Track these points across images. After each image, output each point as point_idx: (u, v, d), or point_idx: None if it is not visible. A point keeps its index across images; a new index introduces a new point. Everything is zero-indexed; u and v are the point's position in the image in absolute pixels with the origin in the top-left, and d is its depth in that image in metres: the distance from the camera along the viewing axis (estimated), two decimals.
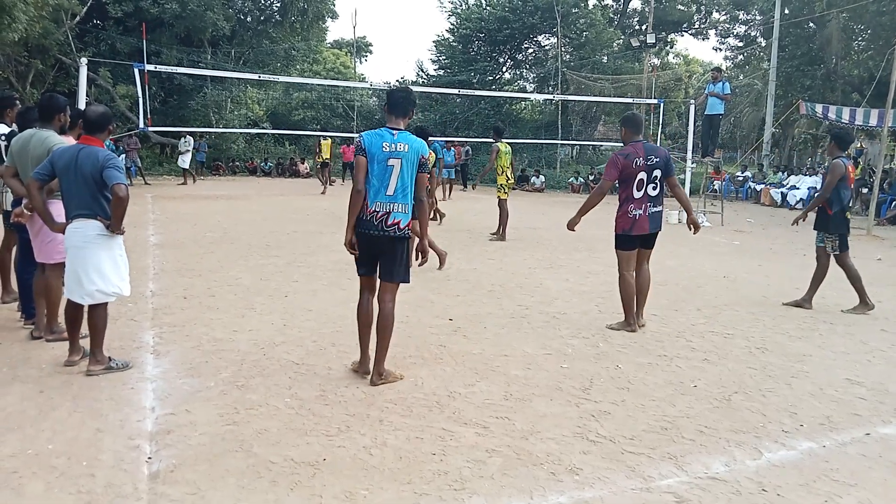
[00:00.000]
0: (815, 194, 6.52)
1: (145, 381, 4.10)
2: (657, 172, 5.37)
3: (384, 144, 4.01)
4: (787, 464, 3.27)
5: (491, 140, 11.54)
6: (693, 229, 5.71)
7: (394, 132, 4.07)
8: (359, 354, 4.32)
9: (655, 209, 5.46)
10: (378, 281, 4.21)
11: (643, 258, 5.62)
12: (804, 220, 6.93)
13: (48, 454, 3.13)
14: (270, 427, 3.48)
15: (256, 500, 2.78)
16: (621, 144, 5.59)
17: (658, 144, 17.49)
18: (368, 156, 4.01)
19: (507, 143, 11.19)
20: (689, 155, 15.57)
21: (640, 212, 5.38)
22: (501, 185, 11.01)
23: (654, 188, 5.40)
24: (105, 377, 4.11)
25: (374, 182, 4.01)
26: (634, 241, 5.48)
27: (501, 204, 11.05)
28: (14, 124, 5.47)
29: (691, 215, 5.72)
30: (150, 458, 3.13)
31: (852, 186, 6.60)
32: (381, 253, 4.13)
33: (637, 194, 5.34)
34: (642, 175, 5.31)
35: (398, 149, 4.02)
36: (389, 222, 4.03)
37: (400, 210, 4.05)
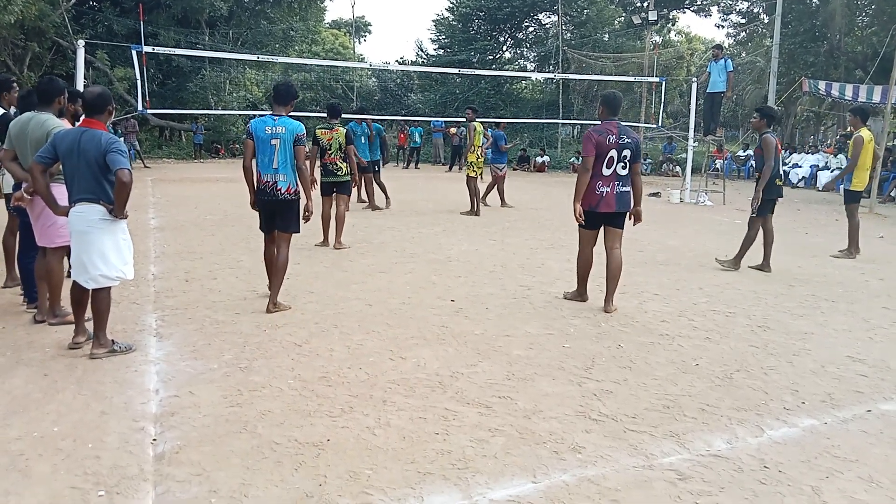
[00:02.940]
0: (756, 170, 7.49)
1: (149, 363, 4.12)
2: (627, 153, 5.35)
3: (266, 128, 5.13)
4: (789, 441, 3.29)
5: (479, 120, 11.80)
6: (633, 221, 5.60)
7: (275, 118, 5.17)
8: (270, 295, 5.32)
9: (624, 188, 5.42)
10: (276, 234, 5.34)
11: (614, 240, 5.55)
12: (758, 202, 7.16)
13: (54, 436, 3.15)
14: (274, 408, 3.50)
15: (261, 481, 2.80)
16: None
17: (660, 123, 17.52)
18: (255, 138, 5.16)
19: (480, 123, 11.58)
20: (692, 133, 15.47)
21: (608, 189, 5.36)
22: (472, 162, 11.30)
23: (624, 167, 5.38)
24: (109, 360, 4.12)
25: (263, 158, 5.16)
26: (598, 219, 5.45)
27: (469, 182, 11.42)
28: (12, 107, 5.45)
29: (638, 206, 5.57)
30: (154, 439, 3.15)
31: (779, 154, 7.24)
32: (277, 212, 5.26)
33: (606, 171, 5.33)
34: (613, 153, 5.31)
35: (277, 131, 5.12)
36: (277, 188, 5.16)
37: (283, 179, 5.17)
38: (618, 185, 5.39)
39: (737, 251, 7.31)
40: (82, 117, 4.18)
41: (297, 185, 5.23)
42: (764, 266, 7.28)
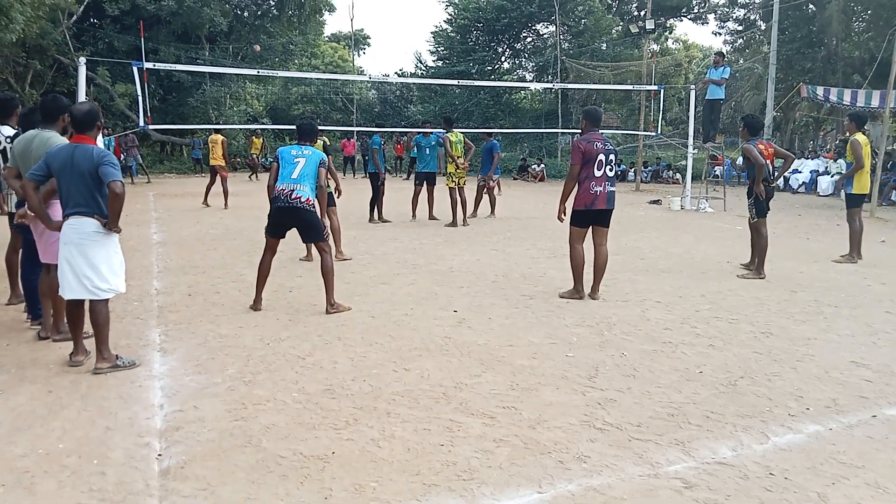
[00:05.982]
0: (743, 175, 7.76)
1: (153, 378, 4.12)
2: (612, 157, 6.11)
3: (292, 151, 5.77)
4: (794, 447, 3.28)
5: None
6: None
7: (302, 146, 5.85)
8: (254, 296, 5.84)
9: (612, 188, 6.14)
10: (280, 243, 5.89)
11: (601, 237, 6.23)
12: (764, 196, 7.29)
13: (59, 453, 3.15)
14: (278, 422, 3.50)
15: (267, 495, 2.80)
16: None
17: (659, 131, 17.57)
18: (281, 160, 5.74)
19: (459, 133, 11.49)
20: (691, 140, 15.50)
21: (600, 189, 6.05)
22: (450, 173, 11.21)
23: (611, 169, 6.12)
24: (113, 375, 4.13)
25: (284, 173, 5.65)
26: (589, 217, 6.13)
27: (451, 192, 11.28)
28: (18, 126, 5.49)
29: None
30: (160, 454, 3.15)
31: (769, 161, 7.41)
32: (294, 221, 5.67)
33: (598, 173, 6.01)
34: (601, 157, 6.00)
35: (303, 152, 5.74)
36: (293, 196, 5.56)
37: (300, 189, 5.58)
38: (608, 185, 6.09)
39: (756, 262, 7.28)
40: (72, 133, 4.25)
41: (314, 199, 5.72)
42: (751, 266, 7.52)
